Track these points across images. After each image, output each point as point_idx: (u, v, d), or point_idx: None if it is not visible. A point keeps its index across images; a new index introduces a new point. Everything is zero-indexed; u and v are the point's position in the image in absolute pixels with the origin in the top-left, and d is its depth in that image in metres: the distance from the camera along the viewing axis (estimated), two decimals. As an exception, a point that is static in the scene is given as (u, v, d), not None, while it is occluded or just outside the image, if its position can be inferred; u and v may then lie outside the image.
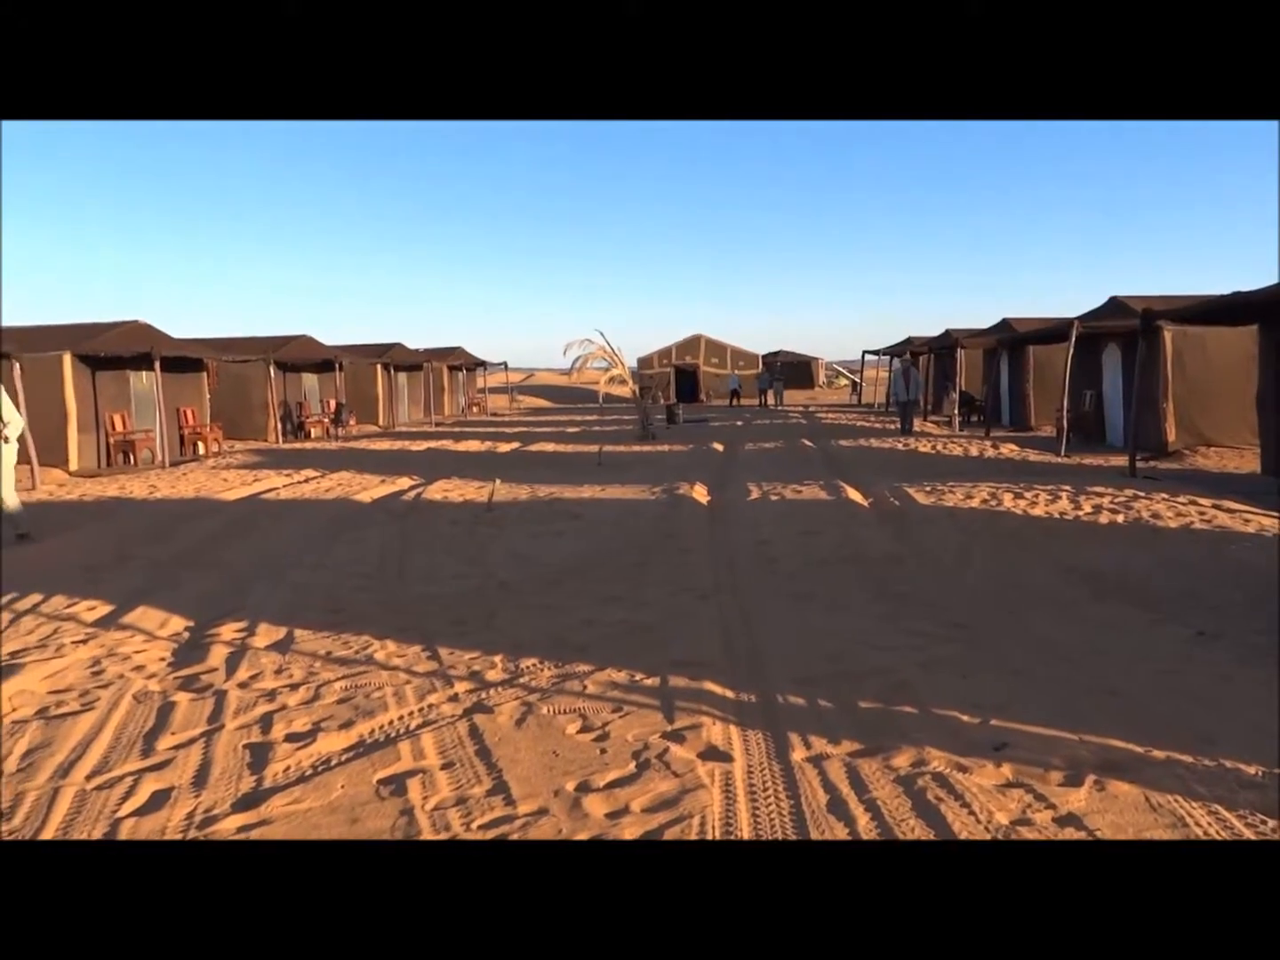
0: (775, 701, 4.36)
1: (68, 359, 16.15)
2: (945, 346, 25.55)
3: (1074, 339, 15.25)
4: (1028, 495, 10.55)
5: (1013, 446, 17.02)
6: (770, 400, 40.19)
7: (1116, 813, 3.22)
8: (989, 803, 3.31)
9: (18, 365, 13.93)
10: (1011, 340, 20.65)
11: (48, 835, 3.23)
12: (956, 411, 22.38)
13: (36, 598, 6.66)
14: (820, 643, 5.23)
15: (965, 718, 4.08)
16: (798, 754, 3.76)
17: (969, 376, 24.69)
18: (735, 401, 40.79)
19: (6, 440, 8.69)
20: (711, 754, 3.79)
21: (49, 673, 4.98)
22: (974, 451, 16.44)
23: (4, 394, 8.74)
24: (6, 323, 18.06)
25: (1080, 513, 9.41)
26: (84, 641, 5.57)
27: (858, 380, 45.31)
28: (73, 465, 16.00)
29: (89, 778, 3.69)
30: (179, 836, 3.22)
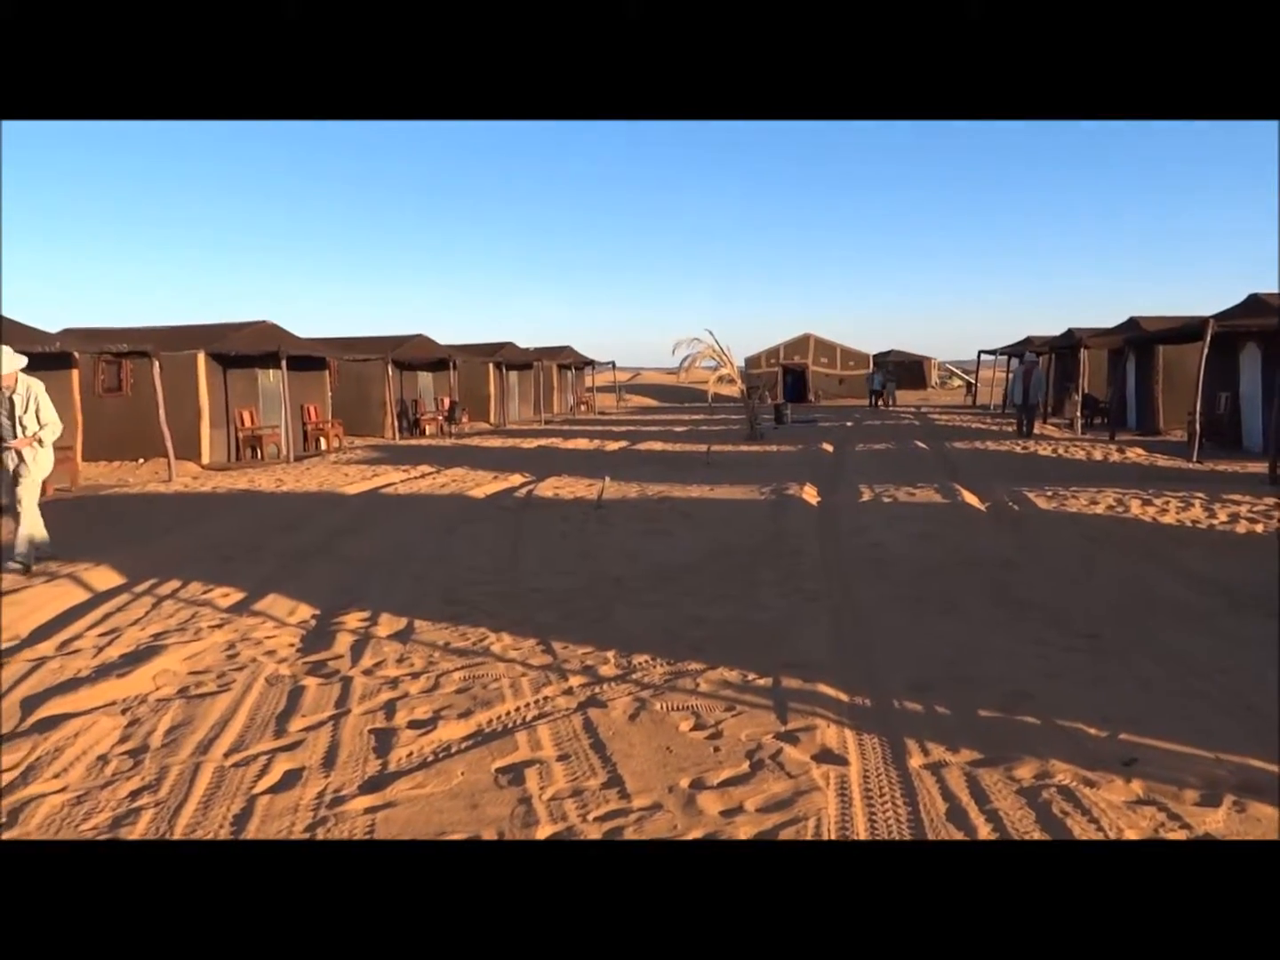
0: (890, 706, 4.29)
1: (201, 358, 17.00)
2: (1067, 346, 24.64)
3: (1209, 338, 14.53)
4: (1157, 502, 10.10)
5: (1140, 451, 16.31)
6: (881, 401, 39.45)
7: (1258, 835, 3.07)
8: (1119, 819, 3.19)
9: (156, 363, 14.72)
10: (1139, 340, 19.79)
11: (190, 808, 3.42)
12: (1079, 414, 21.58)
13: (175, 584, 7.04)
14: (936, 648, 5.12)
15: (1092, 730, 3.94)
16: (915, 760, 3.70)
17: (1092, 378, 23.77)
18: (877, 402, 39.19)
19: (41, 443, 7.60)
20: (826, 756, 3.76)
21: (189, 654, 5.26)
22: (1098, 455, 15.83)
23: (44, 394, 7.78)
24: (147, 323, 19.12)
25: (1215, 521, 8.97)
26: (219, 626, 5.87)
27: (972, 381, 44.08)
28: (205, 459, 16.84)
29: (227, 755, 3.89)
30: (310, 816, 3.36)
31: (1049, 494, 10.81)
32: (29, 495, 7.60)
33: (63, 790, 3.60)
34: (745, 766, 3.68)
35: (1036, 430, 20.87)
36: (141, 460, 16.62)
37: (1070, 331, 25.30)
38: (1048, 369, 27.12)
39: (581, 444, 20.97)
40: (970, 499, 10.80)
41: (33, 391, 7.71)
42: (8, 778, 3.72)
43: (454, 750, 3.90)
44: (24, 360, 7.87)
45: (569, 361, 37.81)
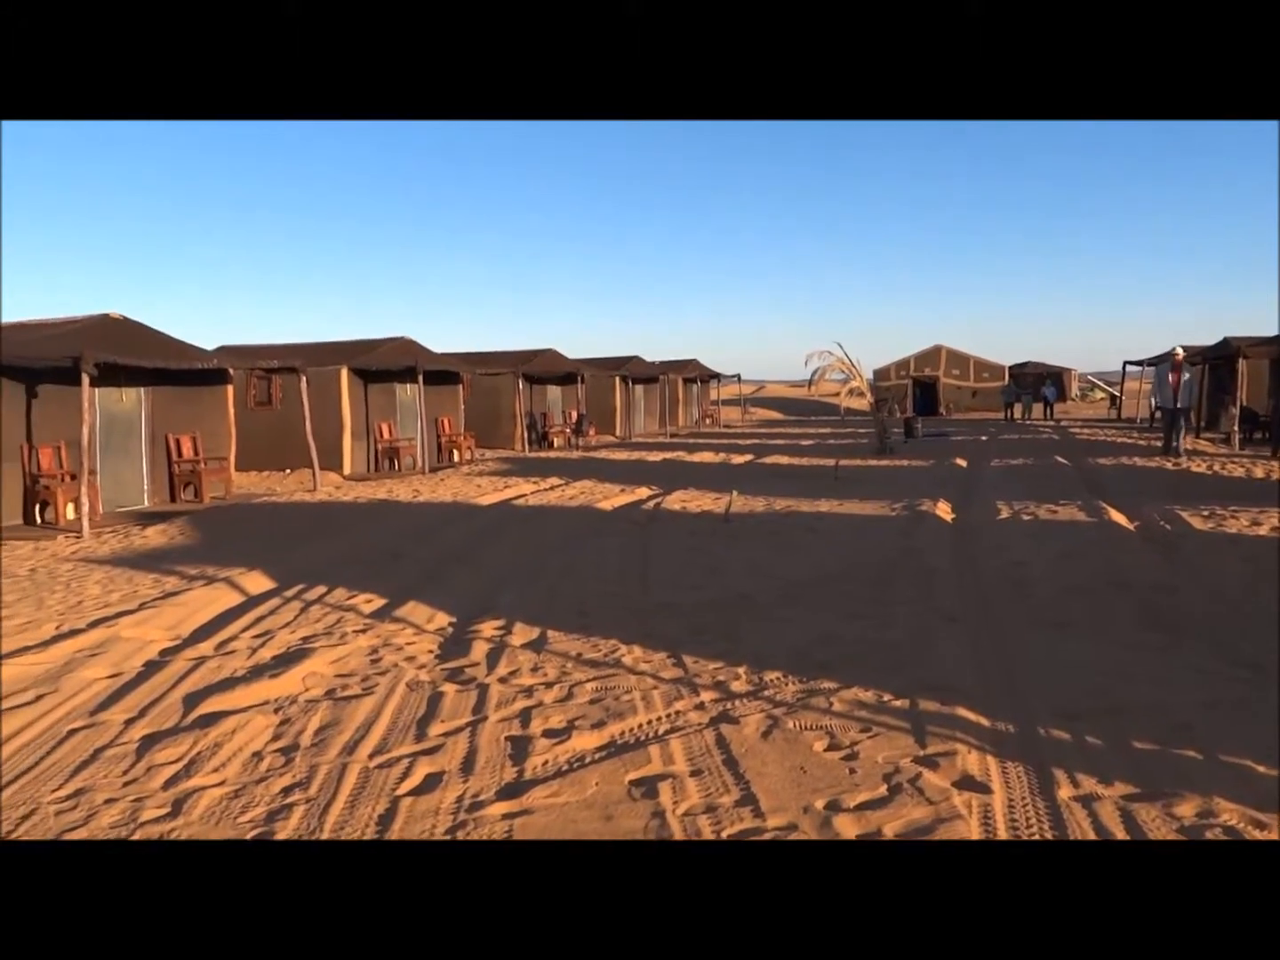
0: (1036, 734, 4.12)
1: (344, 373, 17.77)
2: (1222, 356, 23.24)
3: (1385, 347, 13.46)
4: (1327, 523, 9.40)
5: (1305, 468, 15.23)
6: (1017, 414, 38.11)
7: None
8: (1294, 865, 2.96)
9: (304, 379, 15.46)
10: (1305, 349, 18.45)
11: (338, 807, 3.55)
12: (1236, 428, 20.26)
13: (322, 589, 7.36)
14: (1084, 674, 4.89)
15: (1261, 768, 3.69)
16: (1064, 791, 3.53)
17: (1251, 390, 22.30)
18: (1013, 415, 37.94)
19: None
20: (967, 783, 3.63)
21: (335, 658, 5.49)
22: (1259, 473, 14.84)
23: None
24: (295, 340, 20.12)
25: (1394, 544, 8.28)
26: (363, 631, 6.10)
27: (1116, 393, 42.08)
28: (346, 469, 17.57)
29: (371, 756, 4.03)
30: (450, 819, 3.45)
31: (1205, 514, 10.20)
32: None
33: (221, 784, 3.80)
34: (883, 790, 3.59)
35: (1188, 445, 19.53)
36: (288, 470, 17.48)
37: (1226, 340, 23.87)
38: (1201, 381, 25.55)
39: (707, 457, 20.96)
40: (1118, 518, 10.29)
41: None
42: (171, 770, 3.95)
43: (588, 760, 3.94)
44: None
45: (694, 375, 37.86)
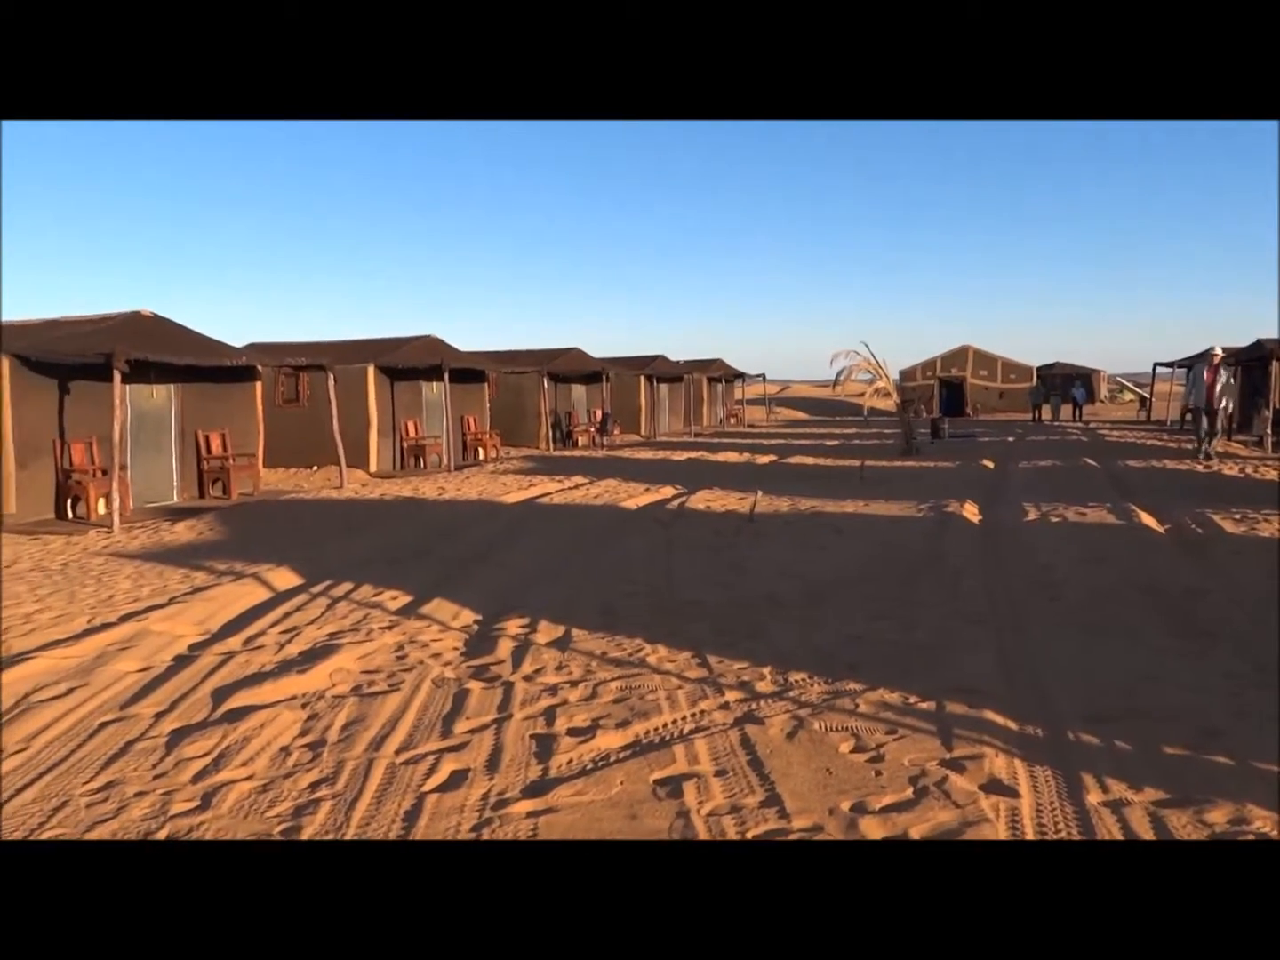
0: (1064, 738, 4.08)
1: (371, 370, 17.87)
2: (1256, 358, 22.90)
3: None
4: (1362, 527, 9.25)
5: (1340, 471, 14.98)
6: (1045, 415, 37.76)
7: None
8: (1329, 874, 2.92)
9: (331, 376, 15.56)
10: (1341, 350, 18.13)
11: (365, 802, 3.58)
12: (1269, 430, 19.95)
13: (348, 585, 7.41)
14: (1113, 678, 4.84)
15: (1295, 775, 3.64)
16: (1093, 797, 3.50)
17: (1285, 392, 21.93)
18: (1039, 416, 37.48)
19: None
20: (995, 787, 3.61)
21: (362, 654, 5.52)
22: (1291, 476, 14.63)
23: None
24: (323, 338, 20.29)
25: None
26: (389, 628, 6.13)
27: (1146, 395, 41.62)
28: (372, 467, 17.68)
29: (398, 753, 4.05)
30: (475, 816, 3.46)
31: (1237, 517, 10.07)
32: None
33: (250, 778, 3.84)
34: (909, 793, 3.57)
35: (1219, 448, 19.15)
36: (315, 467, 17.60)
37: (1259, 342, 23.52)
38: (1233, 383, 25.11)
39: (731, 457, 20.92)
40: (1147, 520, 10.17)
41: None
42: (200, 764, 3.99)
43: (612, 759, 3.94)
44: None
45: (719, 374, 37.80)
